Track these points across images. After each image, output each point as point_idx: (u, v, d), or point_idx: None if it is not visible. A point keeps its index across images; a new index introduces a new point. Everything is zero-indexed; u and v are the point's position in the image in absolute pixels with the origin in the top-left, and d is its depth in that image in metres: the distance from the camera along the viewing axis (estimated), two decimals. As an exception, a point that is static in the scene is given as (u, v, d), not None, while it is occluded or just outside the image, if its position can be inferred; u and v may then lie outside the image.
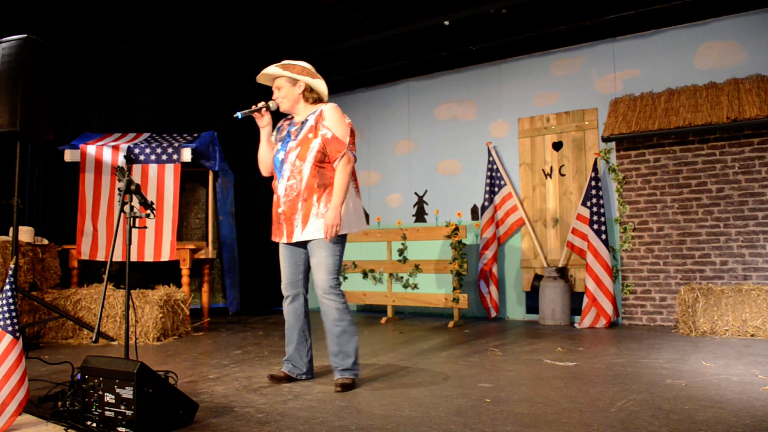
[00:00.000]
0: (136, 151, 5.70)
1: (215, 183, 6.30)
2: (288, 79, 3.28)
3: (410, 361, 4.00)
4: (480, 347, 4.56)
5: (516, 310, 6.57)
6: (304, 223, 3.18)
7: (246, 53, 7.01)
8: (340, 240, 3.20)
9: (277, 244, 3.39)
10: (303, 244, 3.30)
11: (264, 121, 3.31)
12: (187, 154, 5.70)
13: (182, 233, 6.65)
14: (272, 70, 3.29)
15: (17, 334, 2.50)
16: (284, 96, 3.27)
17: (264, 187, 7.93)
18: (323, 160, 3.18)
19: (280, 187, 3.24)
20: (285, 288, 3.36)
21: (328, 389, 3.15)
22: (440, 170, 7.23)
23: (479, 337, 5.12)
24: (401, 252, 6.34)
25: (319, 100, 3.35)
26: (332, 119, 3.20)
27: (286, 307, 3.36)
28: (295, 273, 3.33)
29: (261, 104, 3.28)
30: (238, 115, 3.24)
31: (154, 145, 5.76)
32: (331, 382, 3.31)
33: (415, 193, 7.39)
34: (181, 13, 6.09)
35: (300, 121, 3.30)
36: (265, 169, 3.39)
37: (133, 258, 5.54)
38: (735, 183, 5.44)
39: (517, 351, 4.38)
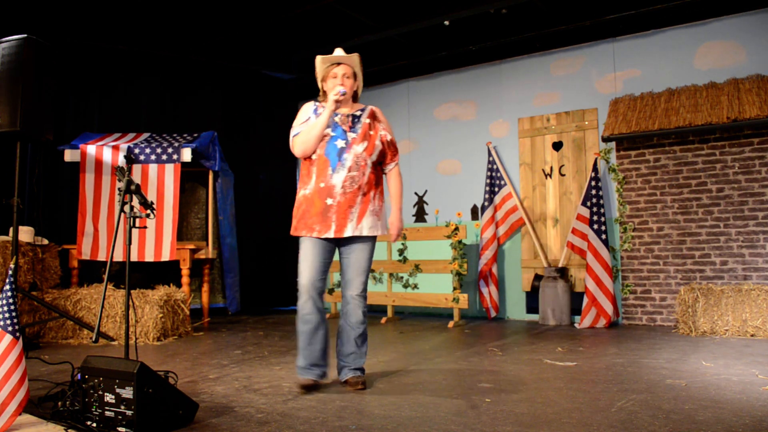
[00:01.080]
0: (136, 151, 5.70)
1: (215, 183, 6.30)
2: (353, 73, 3.26)
3: (410, 361, 4.00)
4: (480, 347, 4.56)
5: (516, 310, 6.57)
6: (360, 218, 3.10)
7: (246, 53, 7.01)
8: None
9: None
10: (336, 241, 3.19)
11: (336, 105, 3.13)
12: (187, 154, 5.70)
13: (182, 233, 6.65)
14: (354, 60, 3.24)
15: (17, 334, 2.50)
16: (350, 87, 3.22)
17: (265, 187, 7.98)
18: (379, 160, 3.24)
19: (337, 177, 3.07)
20: (310, 286, 3.10)
21: (329, 389, 3.14)
22: (440, 170, 7.23)
23: (479, 337, 5.12)
24: (401, 252, 6.34)
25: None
26: (386, 123, 3.31)
27: (311, 307, 3.11)
28: (323, 271, 3.16)
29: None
30: (343, 90, 3.12)
31: (154, 145, 5.76)
32: (331, 382, 3.30)
33: (415, 193, 7.39)
34: (181, 13, 6.09)
35: (346, 114, 3.23)
36: (305, 151, 3.13)
37: (134, 258, 5.54)
38: (735, 183, 5.44)
39: (517, 351, 4.38)
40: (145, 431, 2.30)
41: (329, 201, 3.07)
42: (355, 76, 3.26)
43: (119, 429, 2.32)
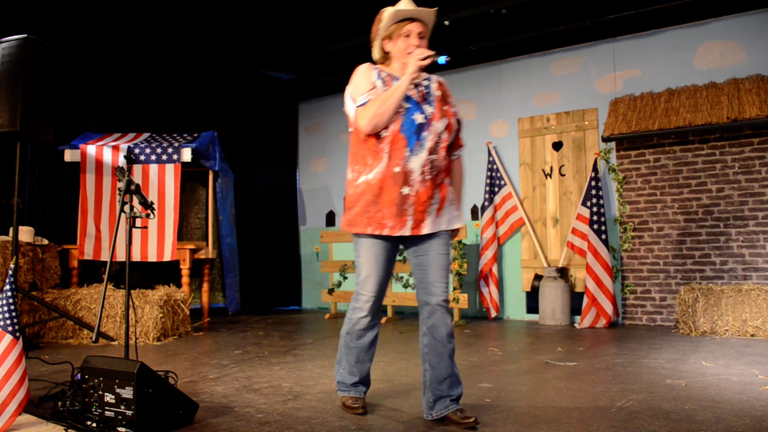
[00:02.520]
0: (136, 151, 5.70)
1: (215, 183, 6.30)
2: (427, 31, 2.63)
3: (410, 361, 4.00)
4: (480, 347, 4.56)
5: (516, 310, 6.57)
6: (439, 210, 2.54)
7: (246, 53, 7.01)
8: None
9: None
10: (401, 239, 2.59)
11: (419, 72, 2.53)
12: (187, 154, 5.70)
13: (182, 233, 6.65)
14: (432, 18, 2.62)
15: (17, 334, 2.50)
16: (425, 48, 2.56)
17: (265, 187, 7.98)
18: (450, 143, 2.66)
19: (415, 160, 2.49)
20: (377, 298, 2.60)
21: (328, 389, 3.14)
22: (440, 170, 7.22)
23: (479, 337, 5.12)
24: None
25: None
26: (454, 98, 2.71)
27: (370, 321, 2.64)
28: (387, 280, 2.63)
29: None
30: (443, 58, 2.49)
31: (154, 145, 5.76)
32: (333, 381, 3.30)
33: (415, 193, 7.38)
34: (181, 13, 6.09)
35: (413, 82, 2.60)
36: (378, 125, 2.48)
37: (136, 258, 5.54)
38: (735, 183, 5.44)
39: (517, 351, 4.38)
40: (145, 431, 2.30)
41: (406, 190, 2.48)
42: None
43: (119, 429, 2.32)
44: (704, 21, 5.77)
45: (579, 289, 6.04)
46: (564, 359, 3.96)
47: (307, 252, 8.13)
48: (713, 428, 2.37)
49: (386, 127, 2.50)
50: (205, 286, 6.24)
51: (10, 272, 2.63)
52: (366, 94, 2.54)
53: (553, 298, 5.91)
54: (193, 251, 5.86)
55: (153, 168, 5.70)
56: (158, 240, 5.59)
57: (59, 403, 2.55)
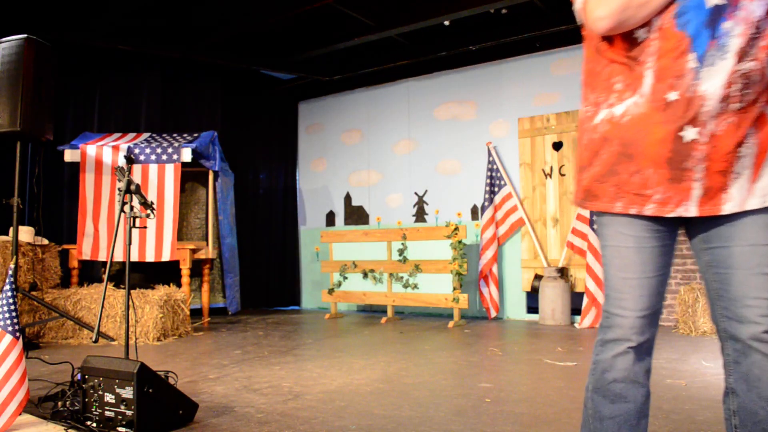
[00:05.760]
0: (136, 151, 5.70)
1: (215, 183, 6.30)
2: None
3: (410, 361, 4.00)
4: (480, 347, 4.56)
5: (516, 310, 6.56)
6: (758, 167, 1.37)
7: (246, 53, 7.01)
8: None
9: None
10: (680, 221, 1.48)
11: None
12: (187, 154, 5.71)
13: (182, 233, 6.66)
14: None
15: (17, 334, 2.50)
16: None
17: (265, 186, 7.98)
18: None
19: (710, 76, 1.32)
20: (638, 322, 1.46)
21: (328, 389, 3.14)
22: (440, 170, 7.23)
23: (479, 337, 5.12)
24: (401, 252, 6.34)
25: None
26: None
27: (629, 368, 1.46)
28: (660, 287, 1.50)
29: None
30: None
31: (154, 145, 5.77)
32: (333, 381, 3.30)
33: (415, 193, 7.39)
34: (182, 13, 6.09)
35: None
36: (623, 24, 1.36)
37: (135, 258, 5.55)
38: (735, 183, 5.43)
39: (517, 351, 4.38)
40: (145, 431, 2.30)
41: (690, 133, 1.34)
42: None
43: (119, 429, 2.32)
44: (704, 21, 5.76)
45: (579, 289, 6.04)
46: (564, 359, 3.96)
47: (307, 252, 8.13)
48: (713, 428, 2.37)
49: (646, 24, 1.37)
50: (205, 286, 6.24)
51: (10, 272, 2.64)
52: None
53: (553, 298, 5.91)
54: (193, 251, 5.86)
55: (153, 168, 5.70)
56: (156, 240, 5.60)
57: (59, 403, 2.55)
